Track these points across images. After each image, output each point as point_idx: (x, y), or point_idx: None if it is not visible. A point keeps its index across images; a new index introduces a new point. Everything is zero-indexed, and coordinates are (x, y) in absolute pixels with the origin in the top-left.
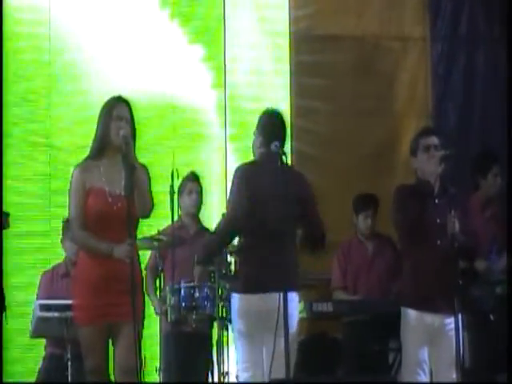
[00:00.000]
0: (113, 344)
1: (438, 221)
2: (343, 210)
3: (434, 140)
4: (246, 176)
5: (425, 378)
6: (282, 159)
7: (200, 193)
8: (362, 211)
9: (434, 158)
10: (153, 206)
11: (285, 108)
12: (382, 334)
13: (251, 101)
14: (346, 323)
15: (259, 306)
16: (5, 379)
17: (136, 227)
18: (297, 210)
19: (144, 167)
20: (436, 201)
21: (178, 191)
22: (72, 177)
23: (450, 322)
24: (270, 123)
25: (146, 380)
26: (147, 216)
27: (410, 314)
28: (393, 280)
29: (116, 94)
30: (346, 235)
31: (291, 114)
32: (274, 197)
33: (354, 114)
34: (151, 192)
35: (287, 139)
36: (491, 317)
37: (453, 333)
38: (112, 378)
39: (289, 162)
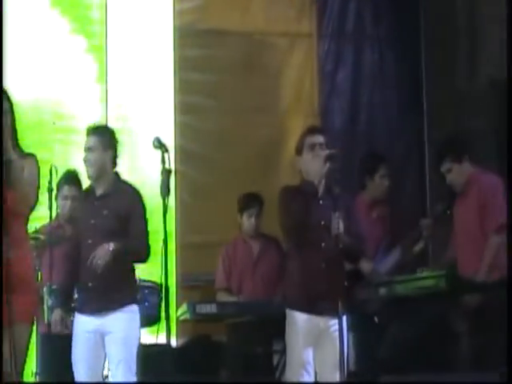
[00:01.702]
0: None
1: (323, 222)
2: (229, 209)
3: (319, 139)
4: None
5: (309, 380)
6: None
7: (75, 197)
8: (246, 210)
9: (319, 157)
10: (36, 200)
11: (168, 105)
12: (267, 335)
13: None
14: (231, 325)
15: None
16: None
17: (23, 224)
18: None
19: (30, 158)
20: (320, 201)
21: (56, 191)
22: None
23: (335, 323)
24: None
25: None
26: (29, 212)
27: (295, 316)
28: (278, 281)
29: None
30: (231, 235)
31: (175, 111)
32: None
33: (239, 112)
34: (37, 185)
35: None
36: (375, 319)
37: (337, 334)
38: None
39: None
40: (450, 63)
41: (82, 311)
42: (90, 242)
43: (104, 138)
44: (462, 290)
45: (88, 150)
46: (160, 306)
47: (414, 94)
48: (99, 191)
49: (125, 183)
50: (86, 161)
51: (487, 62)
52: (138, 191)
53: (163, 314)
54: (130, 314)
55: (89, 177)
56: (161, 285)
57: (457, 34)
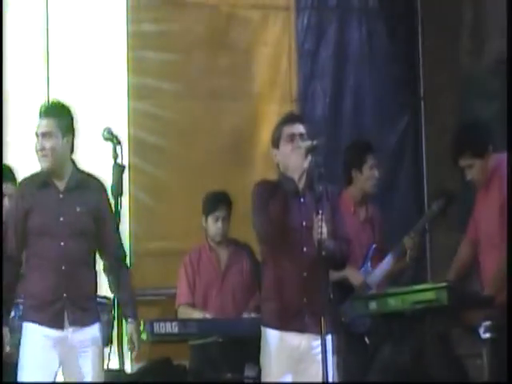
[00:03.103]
0: None
1: (304, 223)
2: (191, 211)
3: (299, 128)
4: None
5: None
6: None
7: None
8: (212, 213)
9: (300, 150)
10: None
11: (120, 89)
12: (238, 359)
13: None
14: (195, 347)
15: None
16: None
17: None
18: None
19: None
20: (301, 199)
21: None
22: None
23: (318, 344)
24: None
25: None
26: None
27: (272, 335)
28: (250, 295)
29: None
30: (194, 242)
31: (128, 96)
32: None
33: (205, 97)
34: None
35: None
36: (366, 340)
37: (321, 357)
38: None
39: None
40: (451, 38)
41: (48, 324)
42: (62, 244)
43: (63, 120)
44: (466, 304)
45: (44, 135)
46: (112, 324)
47: (409, 75)
48: (61, 184)
49: (87, 174)
50: (42, 149)
51: (495, 34)
52: (103, 183)
53: (115, 334)
54: (99, 333)
55: (46, 168)
56: (113, 300)
57: (458, 2)
